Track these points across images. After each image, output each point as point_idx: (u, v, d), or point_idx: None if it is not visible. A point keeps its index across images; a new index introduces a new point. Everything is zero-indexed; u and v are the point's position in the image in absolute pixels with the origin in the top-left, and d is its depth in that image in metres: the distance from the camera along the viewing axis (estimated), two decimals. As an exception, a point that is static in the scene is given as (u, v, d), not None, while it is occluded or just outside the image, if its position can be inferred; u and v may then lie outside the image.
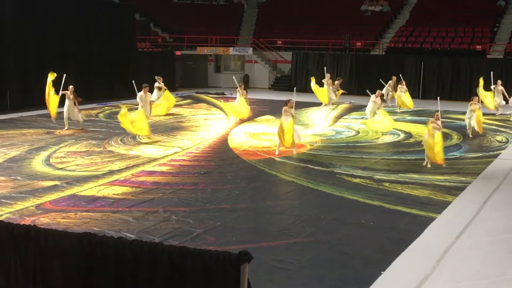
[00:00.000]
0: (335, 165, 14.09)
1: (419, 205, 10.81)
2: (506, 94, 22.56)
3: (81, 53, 25.57)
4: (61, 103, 18.26)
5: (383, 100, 18.94)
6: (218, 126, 19.82)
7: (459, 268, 8.02)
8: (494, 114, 22.36)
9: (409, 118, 21.84)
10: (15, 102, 22.79)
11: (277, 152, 15.04)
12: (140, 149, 15.54)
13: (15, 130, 18.13)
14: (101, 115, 21.89)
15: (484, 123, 20.36)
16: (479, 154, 15.74)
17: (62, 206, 10.38)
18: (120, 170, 13.06)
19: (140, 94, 18.24)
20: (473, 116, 17.73)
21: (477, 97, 18.30)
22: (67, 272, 4.98)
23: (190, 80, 33.90)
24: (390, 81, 24.35)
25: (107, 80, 26.69)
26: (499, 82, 22.55)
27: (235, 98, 21.79)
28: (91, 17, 26.30)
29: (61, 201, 10.68)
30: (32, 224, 5.29)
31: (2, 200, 10.53)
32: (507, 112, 22.23)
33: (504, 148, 16.51)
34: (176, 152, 15.27)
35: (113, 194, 11.20)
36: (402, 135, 18.37)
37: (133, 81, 18.06)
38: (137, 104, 18.75)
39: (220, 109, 23.91)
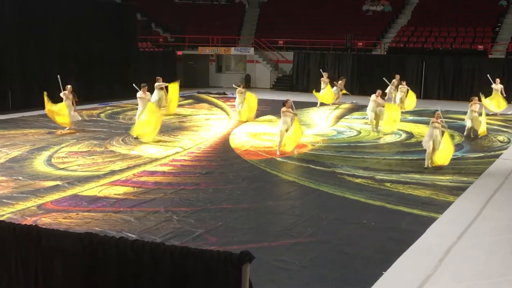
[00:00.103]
0: (336, 165, 14.08)
1: (421, 205, 10.80)
2: (503, 93, 22.54)
3: (83, 53, 25.58)
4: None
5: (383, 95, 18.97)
6: (220, 126, 19.81)
7: (461, 268, 8.01)
8: (495, 114, 22.33)
9: (410, 118, 21.81)
10: (16, 102, 22.80)
11: (278, 152, 15.03)
12: (141, 149, 15.54)
13: (16, 130, 18.14)
14: (102, 115, 21.90)
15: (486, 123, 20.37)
16: (481, 154, 15.73)
17: (63, 206, 10.38)
18: (121, 170, 13.07)
19: (139, 94, 18.09)
20: (473, 117, 17.67)
21: (476, 97, 18.23)
22: (69, 272, 4.98)
23: (192, 80, 33.89)
24: (393, 80, 24.29)
25: (108, 80, 26.70)
26: (498, 80, 22.52)
27: (235, 98, 21.76)
28: (93, 17, 26.30)
29: (62, 201, 10.68)
30: (33, 224, 5.29)
31: (4, 200, 10.54)
32: (509, 112, 22.21)
33: (506, 148, 16.49)
34: (177, 152, 15.27)
35: (115, 194, 11.20)
36: (403, 135, 18.36)
37: (133, 84, 17.97)
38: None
39: (222, 109, 23.91)
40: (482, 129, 17.70)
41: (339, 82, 25.78)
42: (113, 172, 12.86)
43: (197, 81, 34.07)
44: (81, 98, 18.23)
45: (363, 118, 21.05)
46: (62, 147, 15.53)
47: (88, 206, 10.39)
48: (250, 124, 20.06)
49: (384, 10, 35.49)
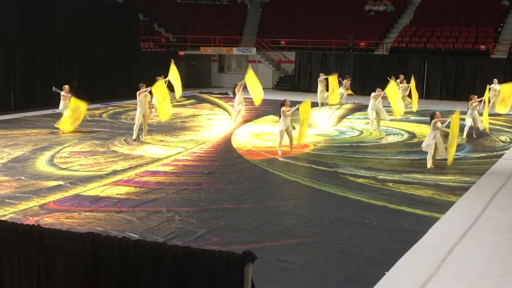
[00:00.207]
0: (338, 165, 14.07)
1: (423, 205, 10.79)
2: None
3: (85, 53, 25.61)
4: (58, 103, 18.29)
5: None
6: (222, 126, 19.82)
7: (463, 268, 8.01)
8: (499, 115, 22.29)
9: (412, 118, 21.80)
10: (19, 102, 22.83)
11: (279, 152, 15.03)
12: (143, 149, 15.56)
13: (19, 130, 18.16)
14: (104, 115, 21.92)
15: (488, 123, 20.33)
16: (483, 154, 15.71)
17: (66, 206, 10.40)
18: (123, 170, 13.08)
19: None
20: (475, 116, 17.60)
21: (476, 96, 18.13)
22: (71, 272, 4.99)
23: (194, 80, 33.89)
24: (397, 80, 24.24)
25: (110, 80, 26.73)
26: (495, 81, 22.47)
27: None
28: (95, 17, 26.32)
29: (65, 201, 10.69)
30: (36, 224, 5.29)
31: (6, 200, 10.55)
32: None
33: (508, 148, 16.46)
34: (179, 152, 15.28)
35: (117, 194, 11.21)
36: (405, 135, 18.36)
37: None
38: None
39: (224, 109, 23.92)
40: (485, 124, 17.61)
41: (344, 81, 25.70)
42: (115, 172, 12.87)
43: (199, 81, 34.08)
44: (88, 102, 18.17)
45: (365, 118, 21.04)
46: (64, 147, 15.55)
47: (90, 206, 10.40)
48: (252, 125, 20.06)
49: (386, 10, 35.47)
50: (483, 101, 17.53)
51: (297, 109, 15.06)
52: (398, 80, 24.15)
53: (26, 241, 5.07)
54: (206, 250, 4.61)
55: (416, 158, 14.94)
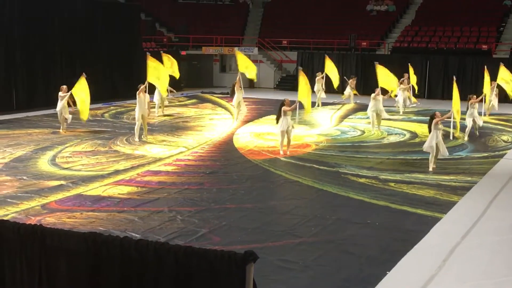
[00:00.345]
0: (340, 165, 14.07)
1: (425, 205, 10.79)
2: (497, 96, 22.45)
3: (86, 53, 25.60)
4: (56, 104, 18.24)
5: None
6: (223, 126, 19.82)
7: (465, 268, 8.00)
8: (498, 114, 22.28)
9: (414, 118, 21.79)
10: (20, 102, 22.85)
11: (281, 152, 15.02)
12: (145, 149, 15.56)
13: (20, 130, 18.18)
14: (106, 115, 21.93)
15: (490, 122, 20.34)
16: (485, 154, 15.70)
17: (67, 205, 10.41)
18: (125, 170, 13.08)
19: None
20: (475, 115, 17.52)
21: (475, 95, 18.05)
22: (73, 272, 4.99)
23: (195, 80, 33.90)
24: (402, 79, 24.22)
25: (112, 80, 26.74)
26: (494, 83, 22.42)
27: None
28: (97, 17, 26.34)
29: (66, 200, 10.70)
30: (38, 224, 5.29)
31: (8, 200, 10.56)
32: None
33: (510, 148, 16.44)
34: (181, 152, 15.28)
35: (119, 193, 11.22)
36: (407, 135, 18.35)
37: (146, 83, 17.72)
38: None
39: (226, 109, 23.92)
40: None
41: (350, 81, 25.67)
42: (117, 172, 12.88)
43: (201, 81, 34.08)
44: (82, 74, 18.09)
45: (367, 118, 21.00)
46: (66, 147, 15.56)
47: (92, 205, 10.41)
48: (254, 125, 20.06)
49: (388, 10, 35.45)
50: (483, 99, 17.51)
51: (297, 105, 15.07)
52: (403, 79, 24.16)
53: (28, 240, 5.07)
54: (208, 250, 4.61)
55: (418, 158, 14.93)
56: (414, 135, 18.38)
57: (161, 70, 19.25)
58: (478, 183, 12.55)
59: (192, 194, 11.30)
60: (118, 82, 26.83)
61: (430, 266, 7.98)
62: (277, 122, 15.00)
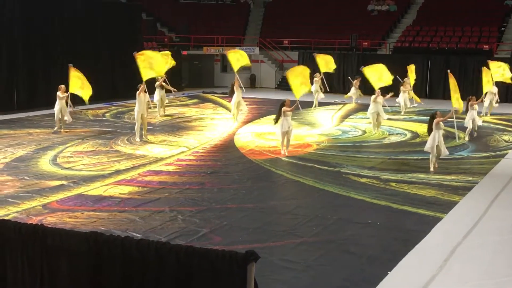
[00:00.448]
0: (341, 164, 14.07)
1: (426, 205, 10.78)
2: (497, 96, 22.42)
3: (88, 53, 25.57)
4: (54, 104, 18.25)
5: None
6: (225, 125, 19.82)
7: (466, 268, 8.00)
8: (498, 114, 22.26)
9: (415, 117, 21.78)
10: (21, 102, 22.85)
11: (282, 152, 15.01)
12: (146, 148, 15.57)
13: (22, 129, 18.19)
14: (107, 114, 21.94)
15: (491, 122, 20.33)
16: (486, 154, 15.69)
17: (69, 205, 10.41)
18: (126, 170, 13.09)
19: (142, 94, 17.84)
20: (474, 116, 17.48)
21: (474, 97, 18.00)
22: (74, 271, 4.99)
23: (197, 80, 33.91)
24: (405, 78, 24.19)
25: (113, 80, 26.73)
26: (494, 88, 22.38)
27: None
28: (98, 17, 26.33)
29: (68, 200, 10.71)
30: (39, 224, 5.30)
31: (9, 200, 10.57)
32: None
33: (511, 148, 16.43)
34: (182, 152, 15.28)
35: (120, 193, 11.22)
36: (408, 135, 18.34)
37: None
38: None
39: (227, 108, 23.91)
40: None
41: (355, 81, 25.64)
42: (118, 172, 12.88)
43: (202, 81, 34.09)
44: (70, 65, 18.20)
45: (368, 118, 20.99)
46: (67, 147, 15.57)
47: (93, 205, 10.41)
48: (255, 125, 20.06)
49: (390, 10, 35.44)
50: (482, 100, 17.50)
51: (298, 105, 15.07)
52: (406, 79, 24.13)
53: (29, 240, 5.08)
54: (209, 250, 4.61)
55: (419, 157, 14.92)
56: (415, 135, 18.37)
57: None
58: (479, 183, 12.54)
59: (193, 194, 11.30)
60: (119, 82, 26.82)
61: (431, 266, 7.98)
62: (275, 123, 15.01)
